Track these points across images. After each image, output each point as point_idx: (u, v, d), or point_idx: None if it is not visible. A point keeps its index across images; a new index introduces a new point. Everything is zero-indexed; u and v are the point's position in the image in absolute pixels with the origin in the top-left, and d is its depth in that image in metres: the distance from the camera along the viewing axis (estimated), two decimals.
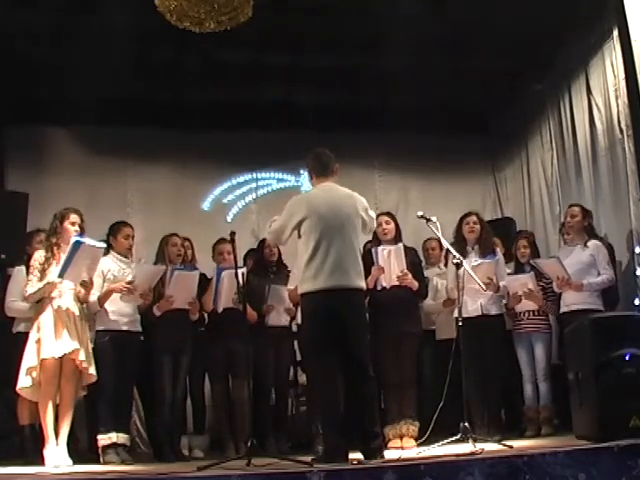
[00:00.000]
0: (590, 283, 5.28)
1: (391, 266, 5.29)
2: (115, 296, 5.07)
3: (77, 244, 4.59)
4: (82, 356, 4.66)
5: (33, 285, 4.68)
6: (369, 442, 3.99)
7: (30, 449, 5.09)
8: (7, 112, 7.03)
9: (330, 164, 4.42)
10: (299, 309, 5.61)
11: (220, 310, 5.43)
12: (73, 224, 4.81)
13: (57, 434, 4.62)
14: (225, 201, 8.06)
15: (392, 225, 5.45)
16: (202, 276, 5.57)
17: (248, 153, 7.81)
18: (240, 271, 4.65)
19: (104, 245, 4.93)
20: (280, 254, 5.94)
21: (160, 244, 5.52)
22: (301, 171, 8.23)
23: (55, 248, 4.76)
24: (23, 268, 5.19)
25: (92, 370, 4.76)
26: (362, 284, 4.25)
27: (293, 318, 5.79)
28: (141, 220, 7.05)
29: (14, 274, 5.43)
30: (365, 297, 5.18)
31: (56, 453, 4.56)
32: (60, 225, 4.81)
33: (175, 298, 5.26)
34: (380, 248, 5.33)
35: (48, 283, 4.64)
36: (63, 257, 4.65)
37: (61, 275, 4.63)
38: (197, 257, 5.94)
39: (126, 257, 5.31)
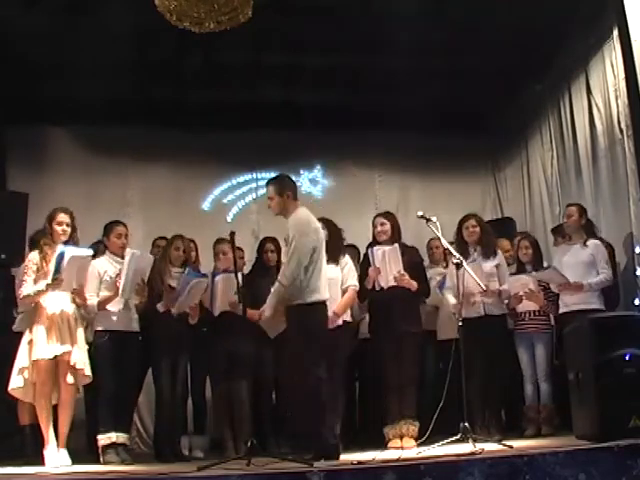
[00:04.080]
0: (590, 283, 5.27)
1: (387, 267, 5.28)
2: (117, 302, 5.07)
3: (60, 255, 4.61)
4: (75, 357, 4.66)
5: (27, 286, 4.69)
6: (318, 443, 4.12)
7: (30, 449, 5.10)
8: (7, 112, 7.02)
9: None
10: None
11: (216, 314, 5.43)
12: (60, 224, 4.82)
13: (57, 434, 4.62)
14: (225, 201, 8.07)
15: (387, 226, 5.43)
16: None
17: (248, 153, 7.82)
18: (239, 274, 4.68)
19: (90, 252, 4.92)
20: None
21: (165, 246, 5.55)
22: (301, 171, 8.25)
23: (46, 248, 4.77)
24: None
25: (87, 371, 4.76)
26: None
27: None
28: (141, 220, 7.06)
29: (19, 273, 5.43)
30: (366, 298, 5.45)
31: (56, 453, 4.57)
32: (49, 226, 4.84)
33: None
34: (375, 248, 5.33)
35: (39, 291, 4.65)
36: (51, 266, 4.67)
37: (50, 285, 4.64)
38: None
39: (121, 257, 5.29)
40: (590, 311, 5.05)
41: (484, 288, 5.01)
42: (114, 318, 5.09)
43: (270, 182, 4.73)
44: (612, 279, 5.34)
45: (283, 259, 4.73)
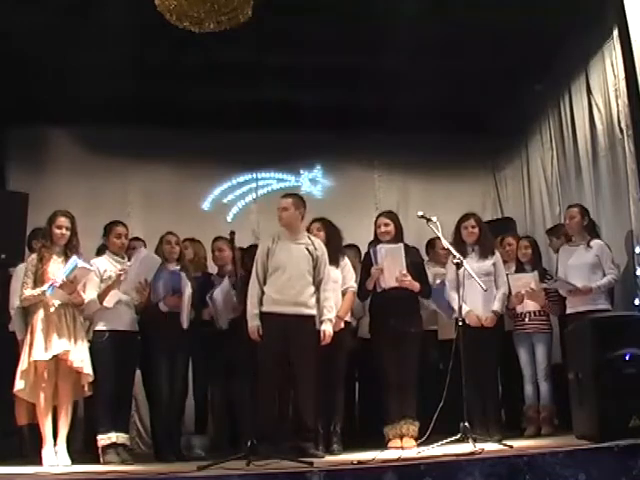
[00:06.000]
0: (599, 286, 5.25)
1: (390, 266, 5.26)
2: (114, 296, 5.07)
3: (74, 265, 4.68)
4: (74, 356, 4.67)
5: (27, 288, 4.71)
6: None
7: (29, 449, 5.10)
8: (7, 112, 7.02)
9: None
10: None
11: (224, 327, 5.43)
12: (59, 228, 4.84)
13: (56, 434, 4.63)
14: (225, 201, 8.07)
15: (391, 226, 5.41)
16: (205, 277, 5.60)
17: (248, 153, 7.81)
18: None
19: (93, 268, 4.96)
20: None
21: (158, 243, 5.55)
22: (301, 171, 8.26)
23: (44, 251, 4.78)
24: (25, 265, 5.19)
25: (87, 370, 4.76)
26: None
27: None
28: (141, 220, 7.06)
29: (16, 272, 5.44)
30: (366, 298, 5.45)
31: (55, 453, 4.57)
32: (49, 228, 4.85)
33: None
34: (379, 247, 5.31)
35: (43, 291, 4.68)
36: (56, 267, 4.68)
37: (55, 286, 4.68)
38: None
39: (121, 257, 5.29)
40: (598, 311, 5.05)
41: (484, 288, 5.01)
42: (114, 318, 5.08)
43: (290, 195, 5.15)
44: (619, 279, 5.34)
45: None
